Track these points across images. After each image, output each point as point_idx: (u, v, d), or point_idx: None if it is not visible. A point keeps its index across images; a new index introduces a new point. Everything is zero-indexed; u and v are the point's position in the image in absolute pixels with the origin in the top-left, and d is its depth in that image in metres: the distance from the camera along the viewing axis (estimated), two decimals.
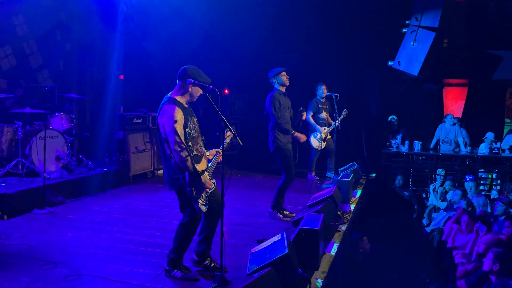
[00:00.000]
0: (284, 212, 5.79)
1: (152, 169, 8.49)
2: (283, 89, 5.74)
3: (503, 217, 5.79)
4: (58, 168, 6.98)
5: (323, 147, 8.26)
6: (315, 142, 8.27)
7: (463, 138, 9.02)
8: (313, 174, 8.56)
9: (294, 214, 5.66)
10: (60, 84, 8.19)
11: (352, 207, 6.16)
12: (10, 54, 7.82)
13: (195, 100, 3.79)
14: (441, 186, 8.37)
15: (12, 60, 7.85)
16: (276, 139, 5.66)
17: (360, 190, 7.22)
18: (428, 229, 7.60)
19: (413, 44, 8.50)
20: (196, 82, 3.63)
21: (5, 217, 5.53)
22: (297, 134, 5.93)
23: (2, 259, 4.27)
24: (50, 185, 6.29)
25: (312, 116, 8.25)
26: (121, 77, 10.20)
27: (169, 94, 3.75)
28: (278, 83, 5.72)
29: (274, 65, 9.44)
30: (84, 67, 9.20)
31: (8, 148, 6.64)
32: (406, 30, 8.71)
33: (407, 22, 8.74)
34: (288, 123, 5.74)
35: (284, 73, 5.71)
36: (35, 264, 4.14)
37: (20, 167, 6.54)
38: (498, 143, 8.69)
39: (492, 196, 7.55)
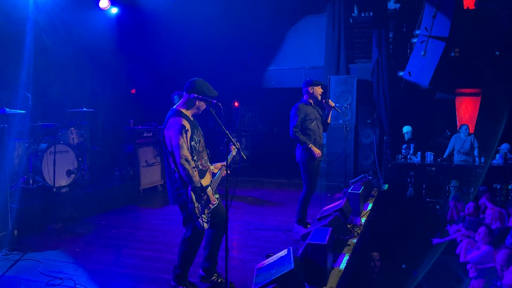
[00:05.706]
0: (308, 226, 5.68)
1: (162, 183, 8.50)
2: (311, 100, 5.66)
3: None
4: (69, 183, 7.02)
5: None
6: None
7: (478, 148, 8.86)
8: None
9: None
10: (71, 99, 8.27)
11: (363, 220, 6.05)
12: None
13: (200, 112, 3.77)
14: None
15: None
16: (302, 152, 5.58)
17: (372, 203, 7.10)
18: (439, 241, 7.42)
19: (423, 55, 8.42)
20: (200, 97, 3.61)
21: (16, 232, 5.54)
22: (313, 147, 5.53)
23: (10, 274, 4.27)
24: (60, 200, 6.32)
25: None
26: (133, 91, 10.31)
27: (175, 107, 3.73)
28: (308, 93, 5.62)
29: (284, 78, 9.38)
30: (95, 82, 9.30)
31: (19, 163, 6.70)
32: (416, 40, 8.62)
33: (417, 32, 8.66)
34: (314, 134, 5.57)
35: (320, 87, 5.64)
36: (42, 279, 4.14)
37: (31, 182, 6.60)
38: None
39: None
